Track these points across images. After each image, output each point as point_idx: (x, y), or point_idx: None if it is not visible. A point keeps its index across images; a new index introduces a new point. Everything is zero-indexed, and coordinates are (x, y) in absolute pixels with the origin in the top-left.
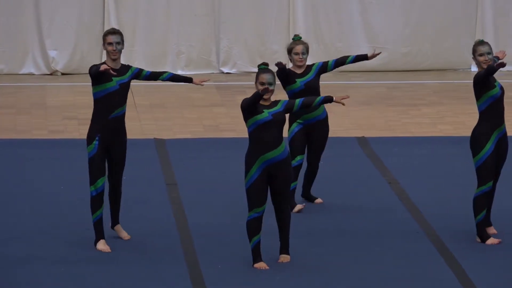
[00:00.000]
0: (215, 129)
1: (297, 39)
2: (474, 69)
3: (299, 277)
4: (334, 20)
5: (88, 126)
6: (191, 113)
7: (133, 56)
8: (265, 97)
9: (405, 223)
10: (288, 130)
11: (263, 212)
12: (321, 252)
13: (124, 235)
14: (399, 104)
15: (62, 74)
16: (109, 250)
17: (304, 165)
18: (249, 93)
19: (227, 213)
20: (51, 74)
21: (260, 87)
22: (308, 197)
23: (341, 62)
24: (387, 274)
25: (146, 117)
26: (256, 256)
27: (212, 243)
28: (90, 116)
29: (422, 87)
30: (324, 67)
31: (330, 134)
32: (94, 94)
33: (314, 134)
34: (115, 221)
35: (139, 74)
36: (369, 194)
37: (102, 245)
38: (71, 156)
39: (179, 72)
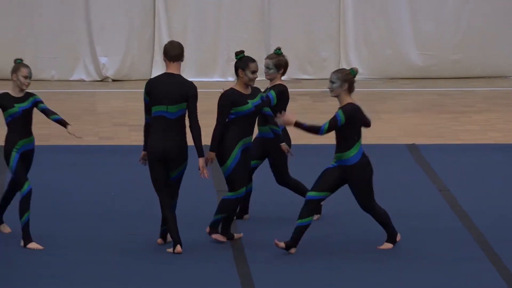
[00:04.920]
0: None
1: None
2: None
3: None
4: (384, 28)
5: (136, 132)
6: None
7: (183, 63)
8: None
9: (455, 231)
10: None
11: (244, 193)
12: (371, 257)
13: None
14: (449, 111)
15: (113, 80)
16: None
17: None
18: (298, 100)
19: (276, 221)
20: (101, 81)
21: (251, 76)
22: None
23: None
24: (436, 280)
25: None
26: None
27: (262, 251)
28: (140, 123)
29: (472, 94)
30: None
31: (378, 141)
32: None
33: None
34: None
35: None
36: (419, 201)
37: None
38: (121, 162)
39: (229, 79)
